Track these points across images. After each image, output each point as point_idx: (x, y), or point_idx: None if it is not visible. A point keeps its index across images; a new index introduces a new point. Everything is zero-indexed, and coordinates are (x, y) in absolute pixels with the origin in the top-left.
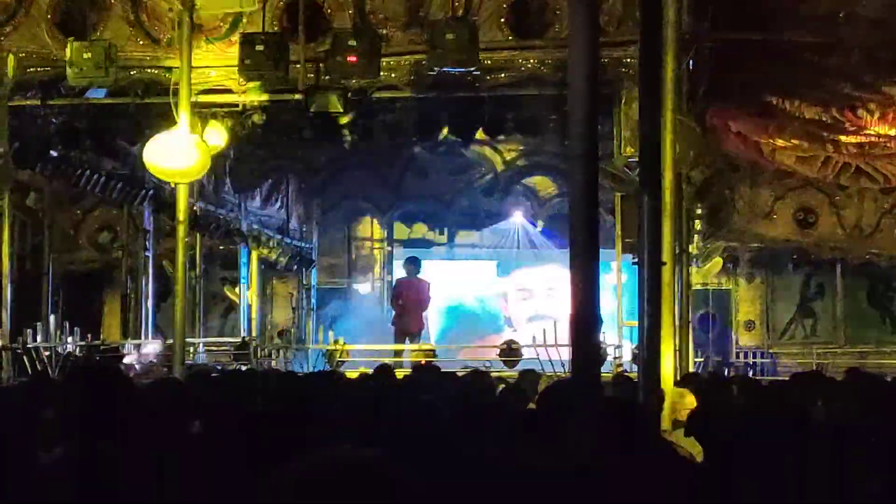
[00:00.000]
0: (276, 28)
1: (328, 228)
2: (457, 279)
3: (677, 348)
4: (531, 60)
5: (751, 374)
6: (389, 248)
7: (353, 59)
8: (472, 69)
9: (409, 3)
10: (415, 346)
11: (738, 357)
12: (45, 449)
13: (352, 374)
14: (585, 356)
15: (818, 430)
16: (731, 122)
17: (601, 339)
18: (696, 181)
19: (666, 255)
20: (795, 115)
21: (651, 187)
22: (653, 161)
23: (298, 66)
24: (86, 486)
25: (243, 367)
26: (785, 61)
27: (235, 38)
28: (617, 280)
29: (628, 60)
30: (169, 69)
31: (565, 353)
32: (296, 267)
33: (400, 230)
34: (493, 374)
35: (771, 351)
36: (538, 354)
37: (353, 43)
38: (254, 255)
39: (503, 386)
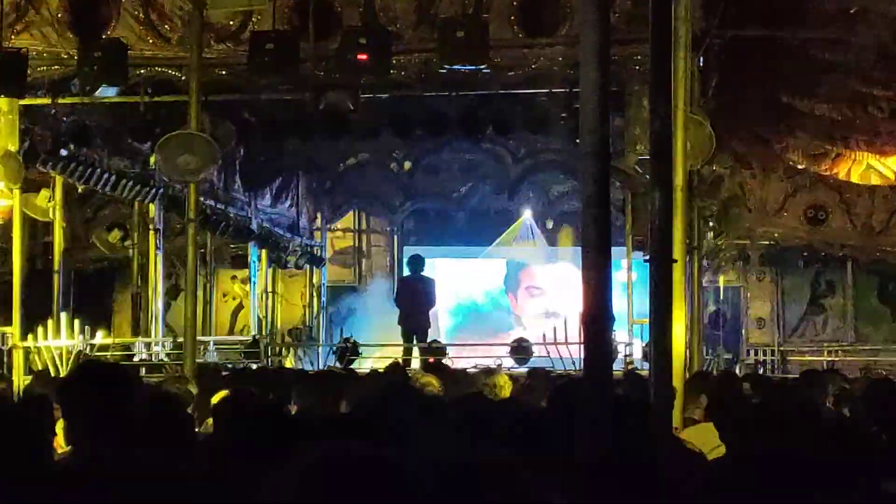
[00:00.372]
0: (285, 26)
1: (338, 227)
2: (466, 277)
3: (688, 346)
4: (541, 58)
5: (761, 371)
6: (399, 246)
7: (362, 57)
8: (482, 67)
9: (419, 0)
10: (424, 345)
11: (748, 355)
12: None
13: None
14: (597, 354)
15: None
16: (741, 120)
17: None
18: (706, 178)
19: (677, 253)
20: (806, 113)
21: (662, 184)
22: (663, 158)
23: (308, 64)
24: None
25: (254, 366)
26: (795, 58)
27: (245, 36)
28: (627, 278)
29: (638, 58)
30: (179, 67)
31: (576, 351)
32: (306, 265)
33: (410, 228)
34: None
35: (781, 349)
36: (548, 352)
37: (362, 41)
38: (264, 253)
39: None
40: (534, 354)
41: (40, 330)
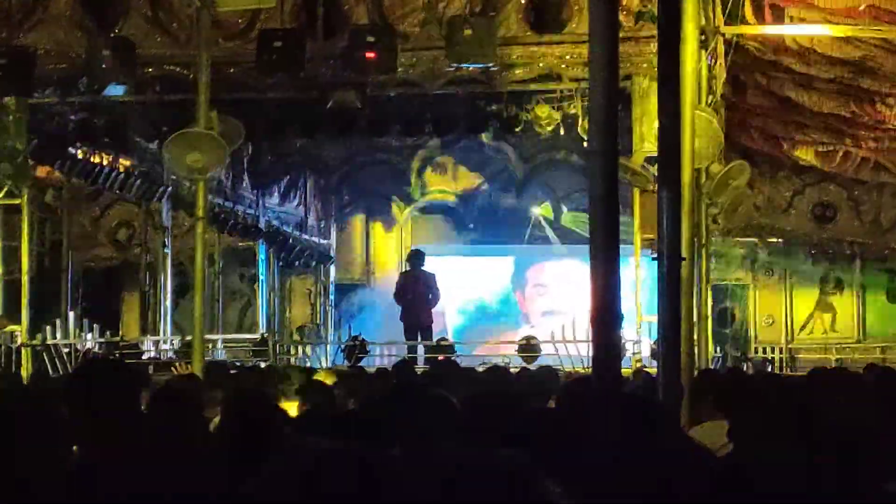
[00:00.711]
0: (293, 25)
1: (346, 225)
2: (474, 275)
3: (696, 343)
4: (549, 56)
5: (770, 369)
6: (407, 244)
7: (370, 55)
8: (491, 65)
9: None
10: (429, 343)
11: (756, 352)
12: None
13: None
14: (606, 352)
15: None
16: (749, 117)
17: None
18: (714, 176)
19: (685, 251)
20: (814, 110)
21: (670, 182)
22: (671, 156)
23: (316, 62)
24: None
25: (262, 364)
26: (803, 55)
27: (253, 34)
28: (635, 276)
29: (646, 55)
30: (187, 66)
31: (584, 349)
32: (314, 263)
33: (417, 226)
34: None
35: (790, 346)
36: (557, 350)
37: (370, 39)
38: (272, 251)
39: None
40: (542, 353)
41: (48, 329)
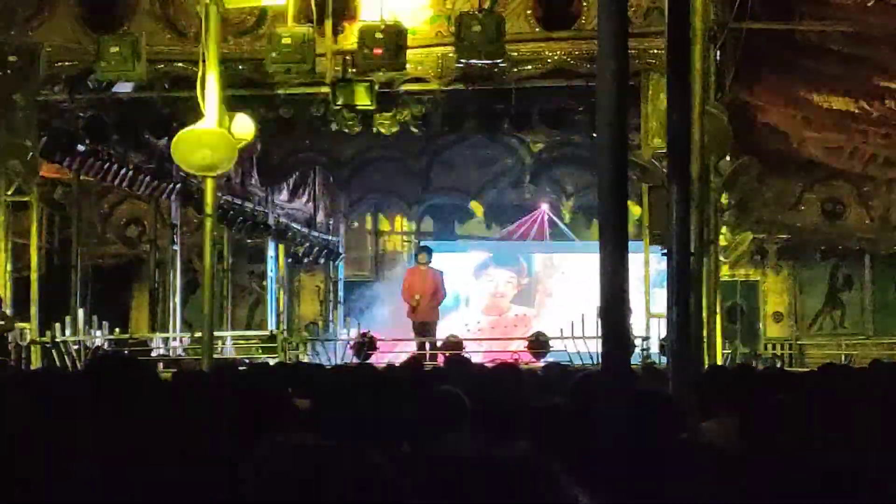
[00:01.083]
0: (302, 21)
1: (355, 221)
2: (482, 271)
3: (706, 339)
4: (558, 52)
5: (779, 365)
6: (416, 241)
7: (379, 51)
8: (499, 61)
9: None
10: (435, 339)
11: (766, 348)
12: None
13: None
14: (615, 347)
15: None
16: (758, 113)
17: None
18: (724, 172)
19: (694, 246)
20: (823, 106)
21: (679, 178)
22: (681, 151)
23: (325, 59)
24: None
25: (271, 360)
26: (812, 51)
27: (262, 31)
28: (645, 272)
29: (655, 51)
30: (196, 63)
31: (594, 345)
32: (323, 260)
33: (426, 223)
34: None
35: (799, 342)
36: (566, 347)
37: (379, 36)
38: (281, 248)
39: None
40: (552, 349)
41: (58, 326)
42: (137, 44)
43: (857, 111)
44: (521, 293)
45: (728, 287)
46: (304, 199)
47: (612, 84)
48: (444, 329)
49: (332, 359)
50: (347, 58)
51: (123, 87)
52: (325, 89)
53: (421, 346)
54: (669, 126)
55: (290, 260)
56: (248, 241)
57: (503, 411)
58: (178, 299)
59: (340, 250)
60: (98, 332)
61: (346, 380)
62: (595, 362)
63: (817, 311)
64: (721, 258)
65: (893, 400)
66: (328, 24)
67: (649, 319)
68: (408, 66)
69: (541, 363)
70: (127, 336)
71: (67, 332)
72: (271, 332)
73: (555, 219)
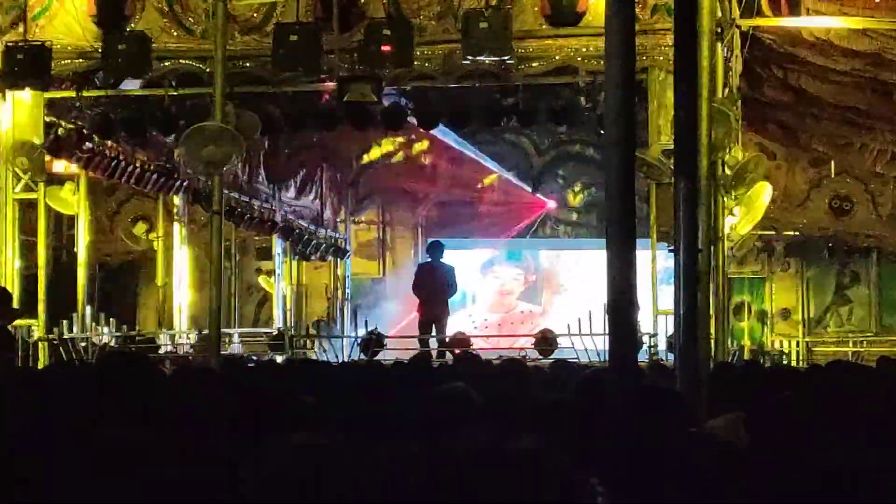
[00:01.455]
0: (309, 18)
1: (362, 218)
2: (488, 268)
3: (713, 336)
4: (565, 49)
5: (786, 362)
6: (423, 238)
7: (386, 48)
8: (506, 58)
9: None
10: (442, 337)
11: (773, 345)
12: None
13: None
14: (623, 343)
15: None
16: (766, 110)
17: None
18: (731, 169)
19: (701, 243)
20: (831, 102)
21: (687, 174)
22: (688, 148)
23: (332, 56)
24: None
25: (279, 358)
26: (819, 47)
27: (269, 28)
28: (652, 268)
29: (662, 48)
30: (203, 60)
31: (601, 343)
32: (330, 257)
33: (433, 219)
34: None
35: (806, 339)
36: (573, 344)
37: (386, 32)
38: (288, 245)
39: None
40: (559, 346)
41: (65, 323)
42: (145, 41)
43: (864, 108)
44: (528, 290)
45: (735, 283)
46: (312, 196)
47: (619, 81)
48: (452, 326)
49: (340, 356)
50: (354, 55)
51: (131, 85)
52: (332, 86)
53: (428, 343)
54: (676, 123)
55: (297, 257)
56: (256, 238)
57: (512, 407)
58: (185, 296)
59: (347, 247)
60: (105, 329)
61: (353, 377)
62: (602, 359)
63: (825, 308)
64: (728, 255)
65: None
66: (335, 21)
67: (657, 316)
68: (415, 63)
69: (548, 360)
70: (134, 333)
71: (75, 329)
72: (278, 329)
73: (561, 216)
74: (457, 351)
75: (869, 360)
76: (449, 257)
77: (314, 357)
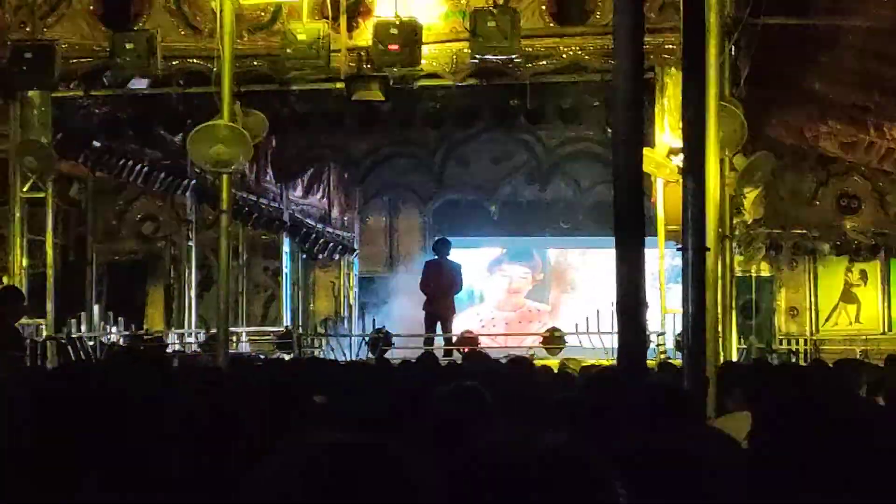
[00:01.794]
0: (317, 17)
1: (369, 217)
2: (496, 267)
3: (721, 335)
4: (573, 47)
5: (794, 361)
6: (431, 237)
7: (394, 47)
8: (514, 57)
9: None
10: (450, 335)
11: (781, 344)
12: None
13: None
14: (631, 341)
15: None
16: (774, 108)
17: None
18: (739, 167)
19: (709, 242)
20: (839, 100)
21: (695, 173)
22: (696, 147)
23: (340, 55)
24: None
25: (286, 356)
26: (828, 45)
27: (277, 27)
28: (660, 267)
29: (670, 46)
30: (211, 59)
31: (609, 341)
32: (337, 256)
33: (441, 218)
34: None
35: (814, 338)
36: (581, 342)
37: (394, 32)
38: (295, 244)
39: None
40: (567, 344)
41: (73, 322)
42: (152, 40)
43: (872, 106)
44: (536, 288)
45: (743, 282)
46: (319, 195)
47: (627, 79)
48: (460, 324)
49: (348, 355)
50: (362, 54)
51: (139, 84)
52: (340, 85)
53: (428, 342)
54: (684, 121)
55: (304, 256)
56: (263, 237)
57: (523, 405)
58: (193, 295)
59: (355, 246)
60: (113, 329)
61: (361, 375)
62: (610, 358)
63: (833, 306)
64: (735, 253)
65: None
66: (343, 20)
67: (664, 315)
68: (422, 61)
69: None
70: (142, 332)
71: (83, 328)
72: (286, 328)
73: (568, 215)
74: (465, 349)
75: (877, 359)
76: (457, 256)
77: (321, 356)
